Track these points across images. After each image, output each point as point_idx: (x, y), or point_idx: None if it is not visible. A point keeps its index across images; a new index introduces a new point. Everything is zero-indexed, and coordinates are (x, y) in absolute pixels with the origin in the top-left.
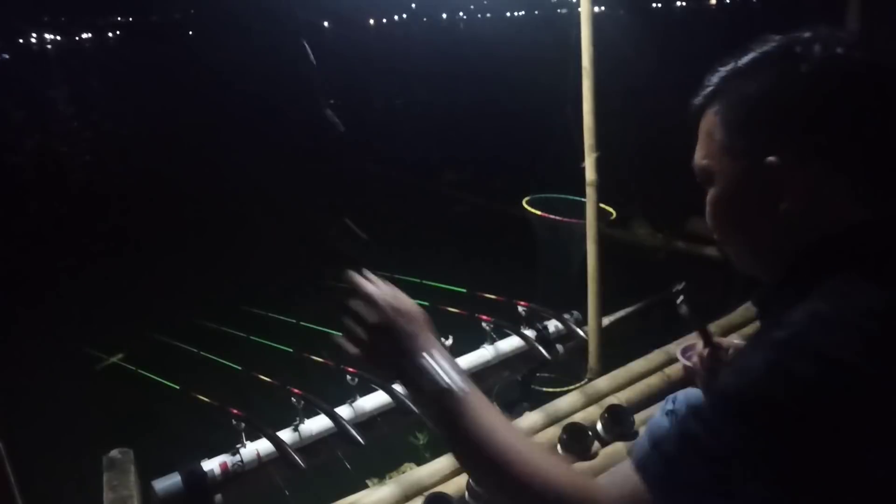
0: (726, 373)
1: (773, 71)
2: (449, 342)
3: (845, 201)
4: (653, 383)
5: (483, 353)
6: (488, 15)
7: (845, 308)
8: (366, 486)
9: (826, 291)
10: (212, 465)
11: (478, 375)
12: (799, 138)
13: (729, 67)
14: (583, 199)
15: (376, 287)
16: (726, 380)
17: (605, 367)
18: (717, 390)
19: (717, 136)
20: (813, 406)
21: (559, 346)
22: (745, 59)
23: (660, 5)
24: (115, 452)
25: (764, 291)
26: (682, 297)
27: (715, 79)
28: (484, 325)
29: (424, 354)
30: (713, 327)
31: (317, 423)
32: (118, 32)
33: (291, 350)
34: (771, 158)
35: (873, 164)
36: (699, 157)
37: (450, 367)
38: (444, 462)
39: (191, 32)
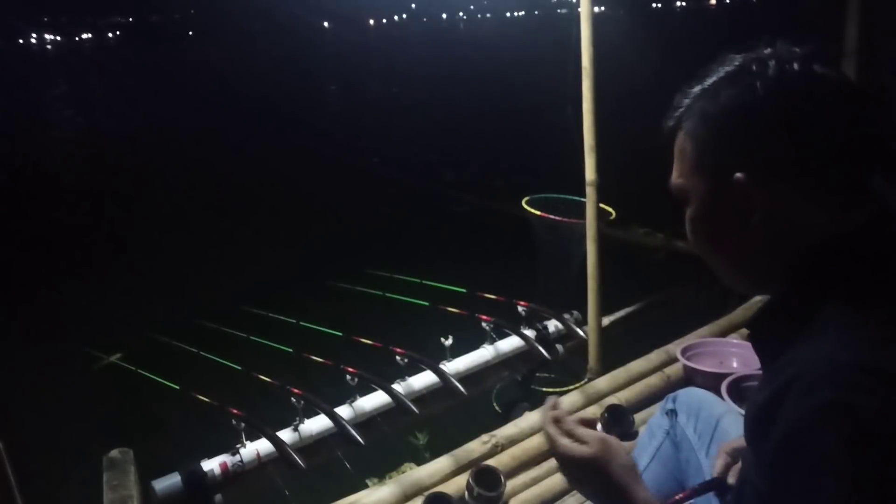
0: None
1: (734, 90)
2: (449, 342)
3: (816, 214)
4: (653, 383)
5: (483, 353)
6: (488, 15)
7: (854, 344)
8: (366, 486)
9: (829, 325)
10: (212, 465)
11: (478, 375)
12: (763, 155)
13: (695, 87)
14: (583, 199)
15: (558, 440)
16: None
17: (605, 367)
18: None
19: (687, 156)
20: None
21: (559, 346)
22: (710, 79)
23: (660, 5)
24: (115, 452)
25: (757, 325)
26: None
27: (683, 99)
28: (484, 325)
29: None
30: (714, 326)
31: (317, 423)
32: (118, 32)
33: (291, 350)
34: (738, 175)
35: (838, 175)
36: (674, 177)
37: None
38: (444, 462)
39: (191, 32)
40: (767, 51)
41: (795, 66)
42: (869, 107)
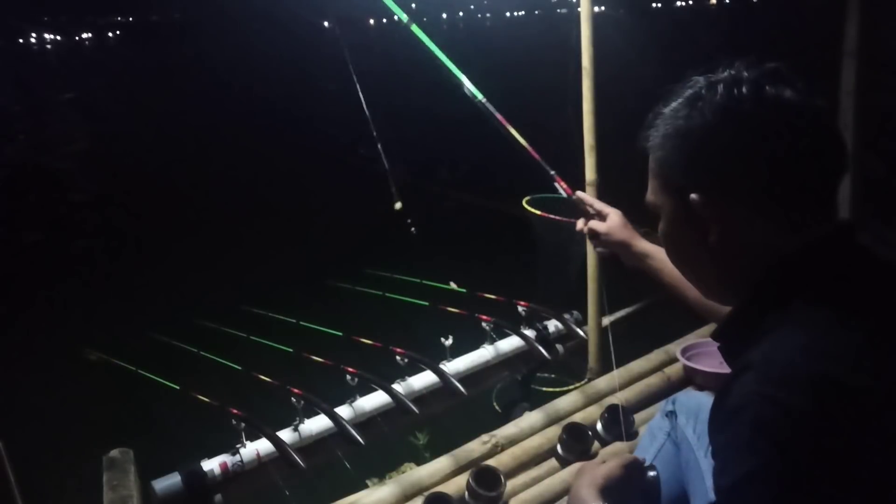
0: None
1: (688, 113)
2: (449, 342)
3: (769, 232)
4: (653, 383)
5: (483, 353)
6: (488, 15)
7: (796, 346)
8: (366, 486)
9: (778, 331)
10: (212, 465)
11: (478, 375)
12: (714, 176)
13: (662, 109)
14: None
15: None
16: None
17: (605, 367)
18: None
19: (655, 175)
20: (817, 430)
21: (559, 346)
22: (672, 102)
23: (660, 5)
24: (115, 452)
25: (721, 332)
26: None
27: (654, 119)
28: (484, 325)
29: None
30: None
31: (317, 423)
32: (118, 32)
33: (291, 350)
34: (693, 196)
35: (788, 195)
36: (648, 195)
37: None
38: (444, 462)
39: (190, 32)
40: (723, 73)
41: (744, 89)
42: (819, 127)
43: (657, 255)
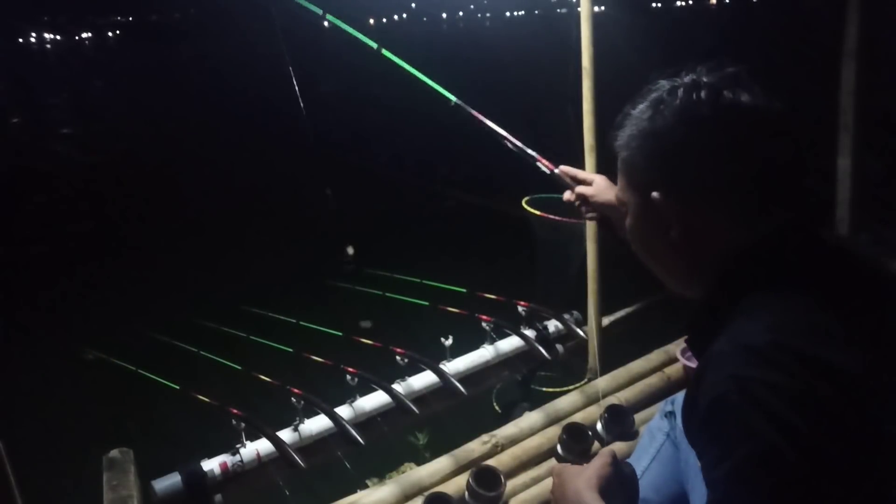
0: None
1: (651, 116)
2: (449, 342)
3: (727, 227)
4: (653, 383)
5: (483, 353)
6: (488, 15)
7: (756, 331)
8: (366, 486)
9: (741, 317)
10: (212, 465)
11: (478, 375)
12: (674, 177)
13: (629, 111)
14: None
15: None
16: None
17: (605, 367)
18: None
19: (622, 173)
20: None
21: (559, 346)
22: (638, 104)
23: (660, 5)
24: (115, 452)
25: (689, 327)
26: None
27: (621, 121)
28: (484, 325)
29: None
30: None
31: (317, 423)
32: (118, 32)
33: (291, 350)
34: (655, 195)
35: (744, 194)
36: (617, 191)
37: None
38: (444, 462)
39: (191, 32)
40: (686, 77)
41: (703, 94)
42: (774, 131)
43: None
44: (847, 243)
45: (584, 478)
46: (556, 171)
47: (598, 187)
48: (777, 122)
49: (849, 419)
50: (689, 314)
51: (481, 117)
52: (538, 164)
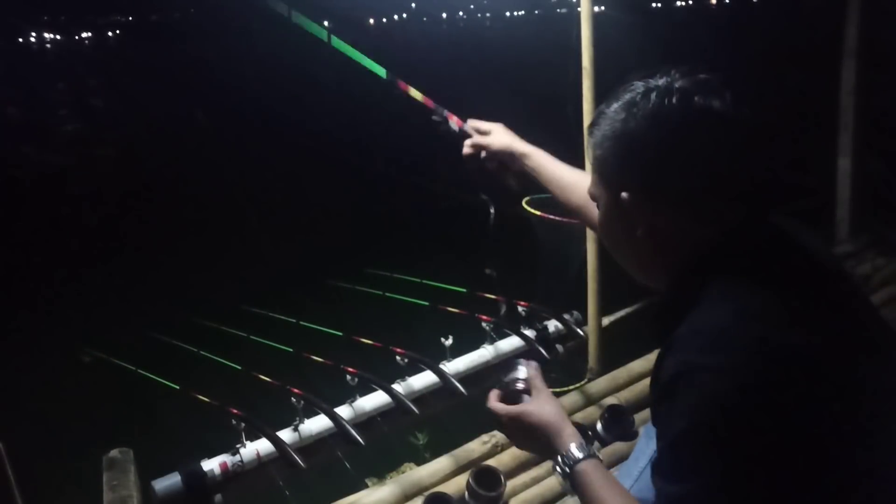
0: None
1: (624, 117)
2: (449, 342)
3: (692, 226)
4: None
5: (483, 353)
6: (488, 15)
7: (719, 317)
8: (366, 486)
9: (697, 306)
10: (212, 465)
11: (478, 375)
12: (642, 178)
13: (604, 110)
14: None
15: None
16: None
17: (605, 367)
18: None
19: (594, 169)
20: (757, 391)
21: (559, 346)
22: (613, 104)
23: (660, 5)
24: (115, 452)
25: (652, 319)
26: None
27: (597, 119)
28: (484, 325)
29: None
30: None
31: (317, 423)
32: (118, 32)
33: (291, 350)
34: (623, 195)
35: (710, 196)
36: (589, 186)
37: (565, 453)
38: (444, 462)
39: (191, 32)
40: (659, 80)
41: (674, 99)
42: (742, 135)
43: (535, 155)
44: (801, 232)
45: (549, 408)
46: (465, 127)
47: (495, 133)
48: (746, 128)
49: (798, 400)
50: (653, 305)
51: (404, 85)
52: (449, 121)
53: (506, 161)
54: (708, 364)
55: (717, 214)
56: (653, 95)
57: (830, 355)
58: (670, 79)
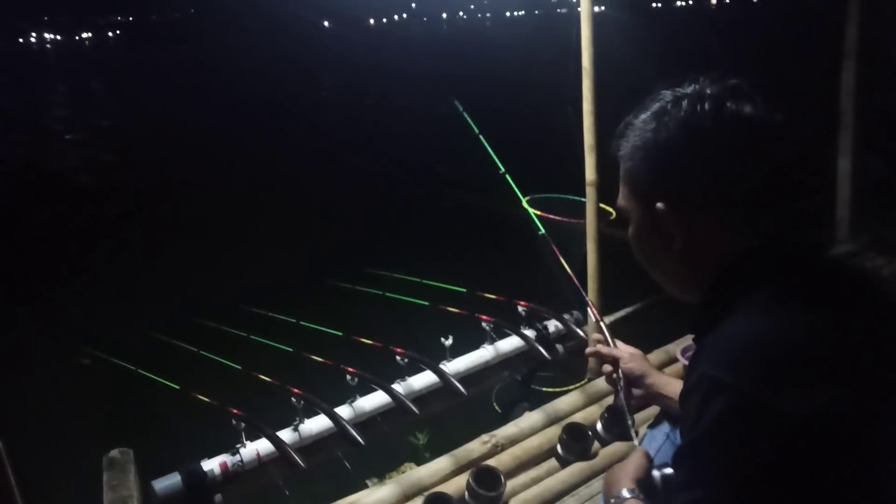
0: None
1: (655, 127)
2: (449, 342)
3: (728, 235)
4: None
5: (483, 353)
6: (488, 15)
7: (747, 331)
8: (366, 486)
9: (731, 318)
10: (212, 465)
11: (478, 375)
12: (678, 188)
13: (632, 119)
14: (583, 199)
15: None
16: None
17: None
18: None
19: (626, 182)
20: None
21: (559, 346)
22: (642, 115)
23: (660, 5)
24: (115, 452)
25: (693, 328)
26: None
27: (625, 129)
28: (484, 325)
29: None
30: None
31: (317, 423)
32: (118, 32)
33: (291, 350)
34: (659, 205)
35: (746, 203)
36: (619, 199)
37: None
38: (444, 462)
39: (191, 32)
40: (689, 88)
41: (706, 105)
42: (776, 141)
43: (664, 386)
44: (840, 253)
45: (624, 470)
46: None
47: (632, 359)
48: (779, 132)
49: (816, 420)
50: (693, 317)
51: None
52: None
53: (636, 385)
54: (724, 379)
55: (753, 224)
56: (684, 103)
57: (853, 373)
58: (700, 86)
